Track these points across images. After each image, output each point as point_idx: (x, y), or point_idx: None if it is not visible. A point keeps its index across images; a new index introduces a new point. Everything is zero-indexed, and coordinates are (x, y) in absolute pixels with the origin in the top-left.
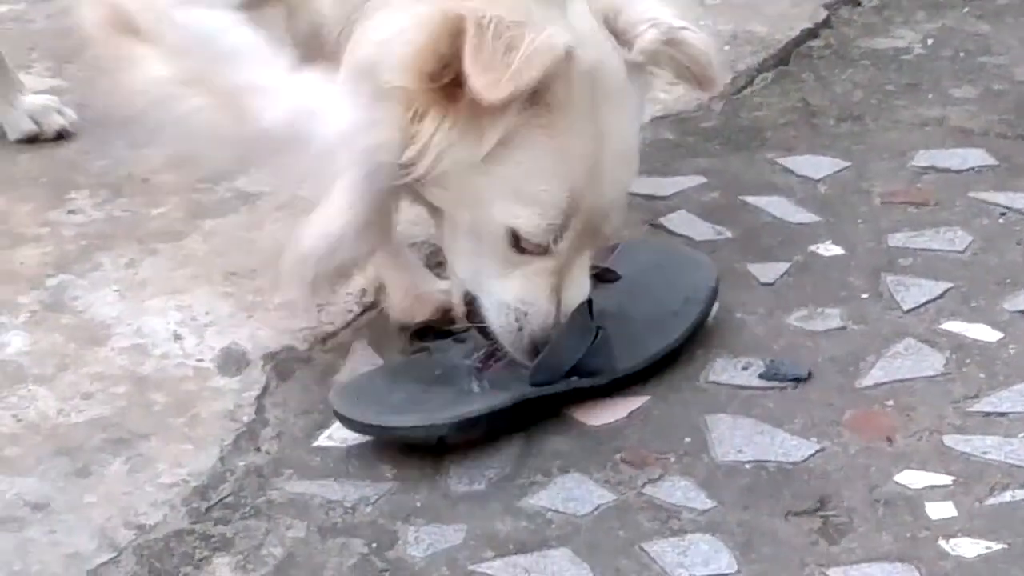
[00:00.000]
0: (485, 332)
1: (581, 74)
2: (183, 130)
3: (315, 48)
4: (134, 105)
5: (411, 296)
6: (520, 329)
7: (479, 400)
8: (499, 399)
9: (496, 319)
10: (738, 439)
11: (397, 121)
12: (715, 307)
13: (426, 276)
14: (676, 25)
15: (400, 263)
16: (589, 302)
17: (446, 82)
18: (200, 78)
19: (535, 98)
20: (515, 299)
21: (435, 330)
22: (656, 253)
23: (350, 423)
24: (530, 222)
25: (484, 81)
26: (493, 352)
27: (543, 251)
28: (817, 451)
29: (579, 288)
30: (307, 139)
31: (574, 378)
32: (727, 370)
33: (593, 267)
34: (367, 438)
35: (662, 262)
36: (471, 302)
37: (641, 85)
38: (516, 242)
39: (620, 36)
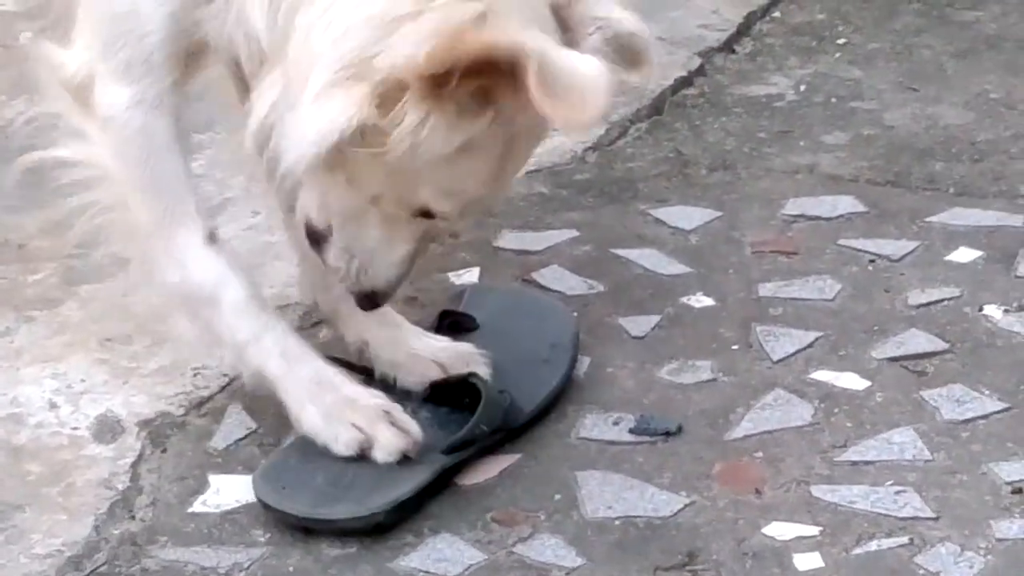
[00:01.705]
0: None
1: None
2: (94, 218)
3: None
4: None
5: (404, 352)
6: (356, 278)
7: (403, 478)
8: (422, 474)
9: (335, 259)
10: (608, 495)
11: (360, 105)
12: (586, 360)
13: (416, 332)
14: (622, 21)
15: (387, 320)
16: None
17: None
18: (127, 186)
19: (491, 105)
20: (364, 253)
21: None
22: (507, 299)
23: (283, 516)
24: (447, 207)
25: (559, 114)
26: None
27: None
28: (686, 505)
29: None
30: (204, 319)
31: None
32: (598, 425)
33: (448, 314)
34: (242, 503)
35: (515, 307)
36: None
37: None
38: (423, 213)
39: (568, 30)
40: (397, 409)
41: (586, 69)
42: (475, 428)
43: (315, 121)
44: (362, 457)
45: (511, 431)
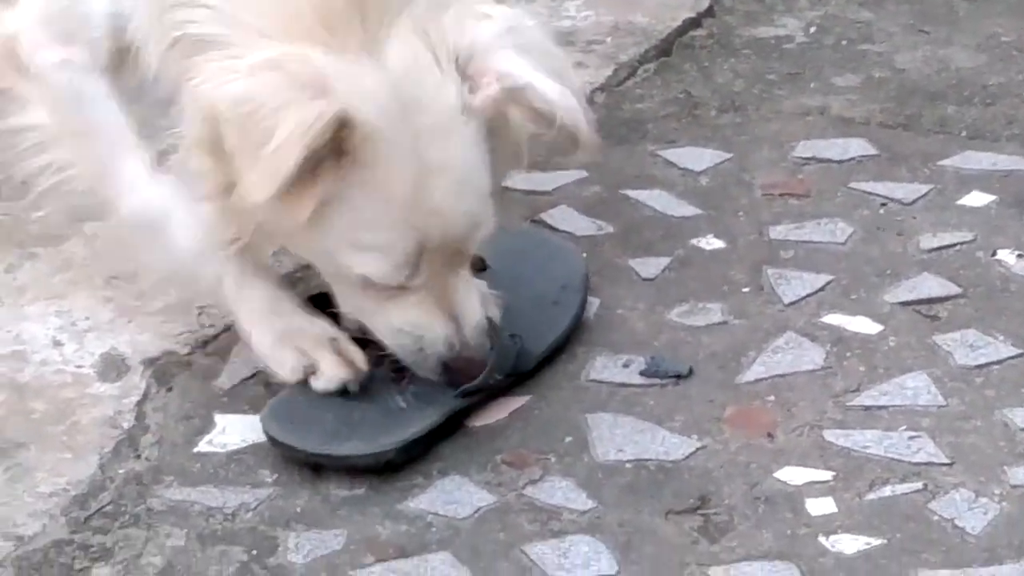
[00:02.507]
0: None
1: (390, 124)
2: (54, 180)
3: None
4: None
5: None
6: (421, 349)
7: (415, 419)
8: (433, 416)
9: (392, 342)
10: (619, 438)
11: (209, 194)
12: (595, 301)
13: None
14: (526, 80)
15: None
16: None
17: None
18: (69, 137)
19: (339, 158)
20: (404, 323)
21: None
22: (518, 240)
23: (291, 451)
24: (376, 268)
25: (250, 181)
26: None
27: (404, 287)
28: (698, 448)
29: (471, 306)
30: (159, 243)
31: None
32: (608, 368)
33: None
34: (248, 443)
35: (526, 249)
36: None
37: (475, 120)
38: (373, 284)
39: (468, 81)
40: (344, 338)
41: None
42: (488, 376)
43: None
44: (367, 394)
45: (523, 374)
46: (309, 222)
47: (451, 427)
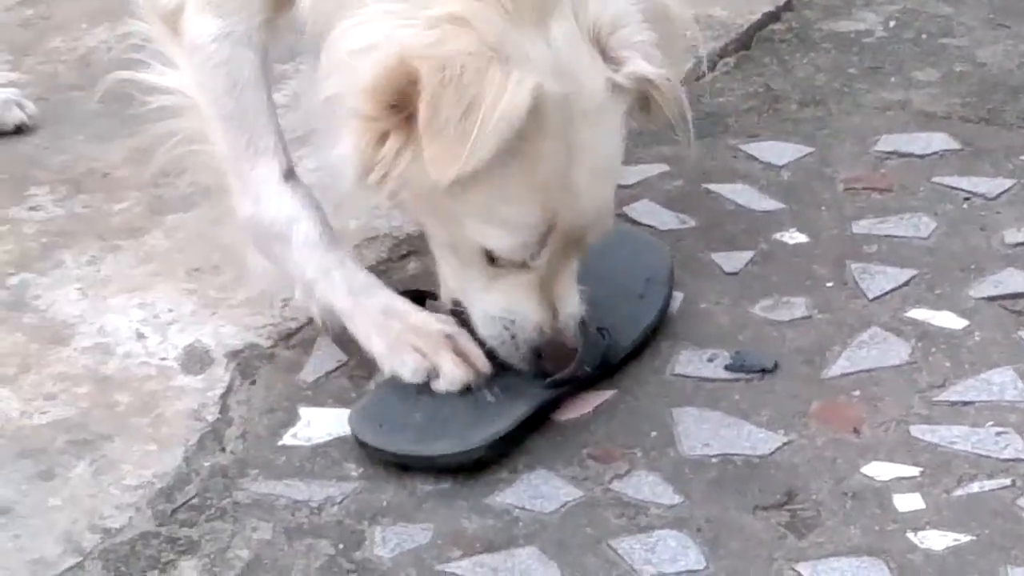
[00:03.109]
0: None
1: (555, 101)
2: (176, 147)
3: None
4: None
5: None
6: (513, 337)
7: (502, 413)
8: (520, 408)
9: (484, 330)
10: (705, 432)
11: (359, 143)
12: (679, 295)
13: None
14: (663, 69)
15: None
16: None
17: (409, 111)
18: (212, 116)
19: None
20: (500, 310)
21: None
22: None
23: (382, 453)
24: (503, 243)
25: (435, 153)
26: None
27: (522, 265)
28: (784, 443)
29: (571, 296)
30: (276, 251)
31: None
32: (693, 362)
33: None
34: (333, 436)
35: (611, 243)
36: (461, 312)
37: (621, 102)
38: (492, 258)
39: (607, 55)
40: (462, 335)
41: None
42: (577, 368)
43: (336, 160)
44: (461, 393)
45: (609, 367)
46: (450, 185)
47: (538, 421)
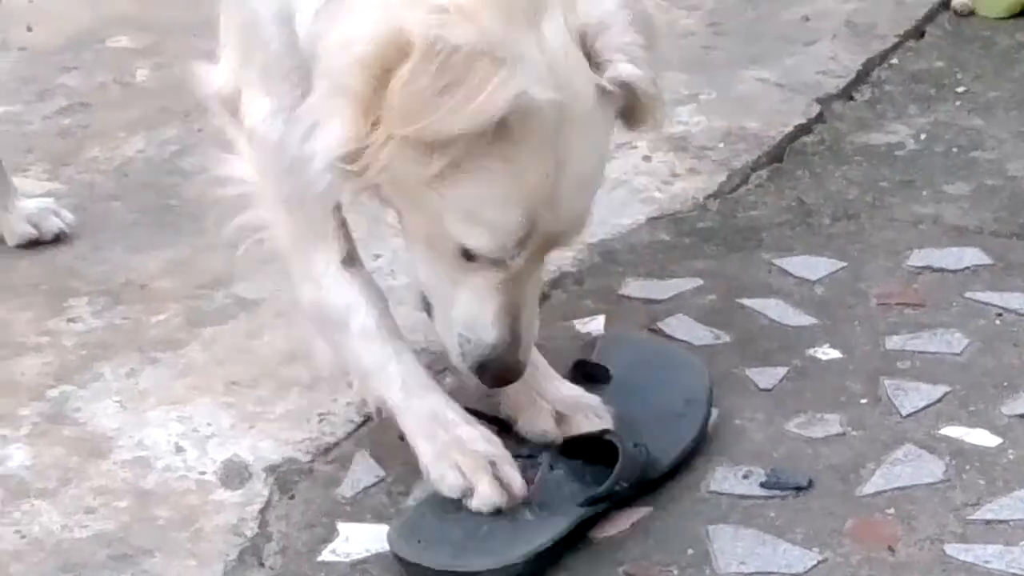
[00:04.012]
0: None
1: (546, 107)
2: (240, 234)
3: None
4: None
5: (526, 398)
6: (463, 354)
7: (541, 530)
8: (559, 526)
9: (444, 336)
10: (740, 550)
11: (350, 123)
12: (714, 412)
13: (548, 375)
14: (649, 73)
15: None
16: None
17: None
18: (272, 200)
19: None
20: (461, 322)
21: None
22: (641, 350)
23: (419, 569)
24: (481, 242)
25: (399, 108)
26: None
27: (497, 263)
28: (819, 562)
29: (532, 309)
30: (334, 339)
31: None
32: (728, 479)
33: (582, 364)
34: (372, 552)
35: (650, 360)
36: (427, 309)
37: (609, 107)
38: (468, 255)
39: (594, 58)
40: (505, 459)
41: None
42: (614, 484)
43: (318, 143)
44: (499, 512)
45: (646, 484)
46: (434, 180)
47: (576, 538)
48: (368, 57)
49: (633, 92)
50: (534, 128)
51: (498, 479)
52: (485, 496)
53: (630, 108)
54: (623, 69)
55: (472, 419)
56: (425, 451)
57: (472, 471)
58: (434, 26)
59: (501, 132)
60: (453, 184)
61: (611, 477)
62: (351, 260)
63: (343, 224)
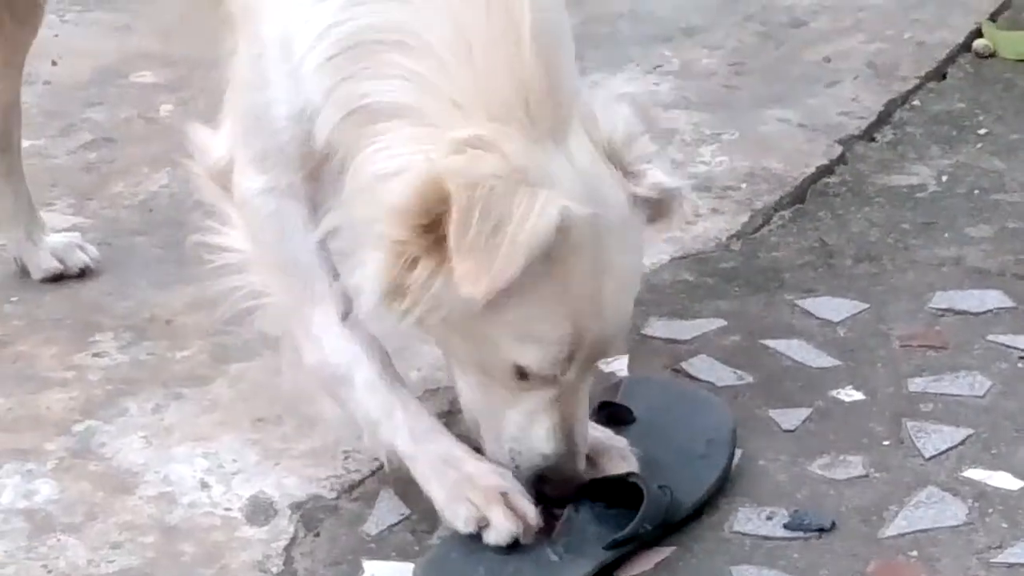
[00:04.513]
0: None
1: (582, 221)
2: (243, 298)
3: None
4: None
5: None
6: (517, 467)
7: (565, 571)
8: (584, 567)
9: (496, 454)
10: None
11: (391, 264)
12: (738, 452)
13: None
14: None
15: None
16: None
17: (439, 234)
18: (265, 268)
19: None
20: (513, 434)
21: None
22: (664, 392)
23: None
24: (536, 358)
25: (465, 269)
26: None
27: (551, 380)
28: None
29: (582, 429)
30: (339, 395)
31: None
32: (751, 520)
33: (606, 405)
34: None
35: (672, 402)
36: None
37: (641, 214)
38: (523, 374)
39: (625, 167)
40: (515, 490)
41: None
42: (639, 526)
43: (360, 281)
44: (517, 545)
45: (670, 525)
46: (483, 306)
47: None
48: (410, 207)
49: (664, 197)
50: (573, 242)
51: (512, 509)
52: (500, 526)
53: (656, 210)
54: (657, 177)
55: (481, 456)
56: (438, 493)
57: (484, 503)
58: (462, 167)
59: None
60: (503, 308)
61: (635, 520)
62: (347, 316)
63: (340, 284)
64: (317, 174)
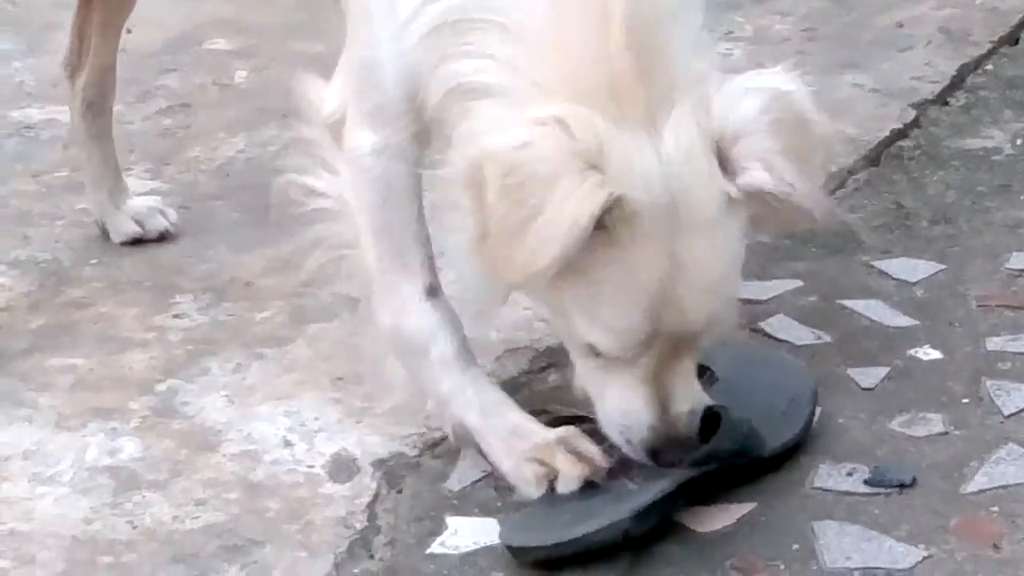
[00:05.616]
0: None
1: (653, 210)
2: (328, 251)
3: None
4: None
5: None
6: (629, 441)
7: (646, 491)
8: (664, 484)
9: (607, 429)
10: (846, 545)
11: (470, 228)
12: (818, 410)
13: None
14: (787, 179)
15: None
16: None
17: None
18: (363, 226)
19: (595, 230)
20: (616, 411)
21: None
22: (746, 354)
23: (530, 552)
24: (604, 341)
25: (495, 256)
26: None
27: (628, 360)
28: (925, 558)
29: (685, 391)
30: (414, 366)
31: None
32: (832, 476)
33: None
34: (481, 545)
35: (755, 363)
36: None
37: (740, 212)
38: (596, 352)
39: (728, 164)
40: (575, 436)
41: None
42: (717, 444)
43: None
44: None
45: (748, 469)
46: (552, 280)
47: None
48: (464, 178)
49: (765, 199)
50: (645, 232)
51: (575, 455)
52: (567, 472)
53: (765, 213)
54: (756, 177)
55: (547, 428)
56: (507, 464)
57: (549, 456)
58: (516, 148)
59: (604, 237)
60: (573, 285)
61: (714, 438)
62: (433, 291)
63: (429, 254)
64: (427, 138)
